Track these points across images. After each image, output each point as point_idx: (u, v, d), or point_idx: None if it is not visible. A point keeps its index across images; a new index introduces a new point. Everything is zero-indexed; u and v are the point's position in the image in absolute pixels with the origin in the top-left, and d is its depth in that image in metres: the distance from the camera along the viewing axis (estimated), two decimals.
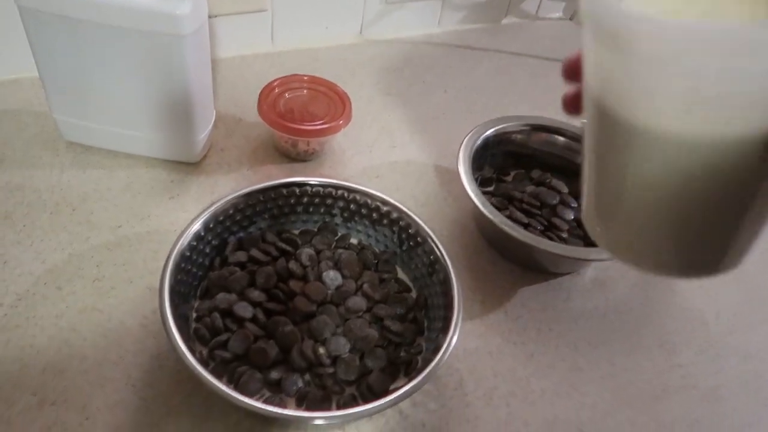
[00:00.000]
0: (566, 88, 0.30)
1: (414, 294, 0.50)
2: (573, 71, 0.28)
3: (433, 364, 0.39)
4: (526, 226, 0.53)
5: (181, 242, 0.44)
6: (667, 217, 0.28)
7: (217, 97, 0.67)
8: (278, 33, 0.75)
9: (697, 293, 0.56)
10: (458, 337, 0.41)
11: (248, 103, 0.66)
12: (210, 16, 0.67)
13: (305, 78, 0.62)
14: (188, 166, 0.58)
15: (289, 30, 0.75)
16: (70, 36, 0.49)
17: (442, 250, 0.47)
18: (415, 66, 0.78)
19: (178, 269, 0.43)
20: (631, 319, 0.53)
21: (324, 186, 0.51)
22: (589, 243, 0.56)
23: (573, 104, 0.29)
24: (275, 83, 0.60)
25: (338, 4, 0.76)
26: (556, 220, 0.55)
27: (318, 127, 0.57)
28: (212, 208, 0.47)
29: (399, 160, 0.64)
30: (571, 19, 0.93)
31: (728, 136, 0.23)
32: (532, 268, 0.55)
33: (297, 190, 0.51)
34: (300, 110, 0.59)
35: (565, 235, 0.55)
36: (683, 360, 0.51)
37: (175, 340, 0.38)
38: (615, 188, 0.29)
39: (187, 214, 0.54)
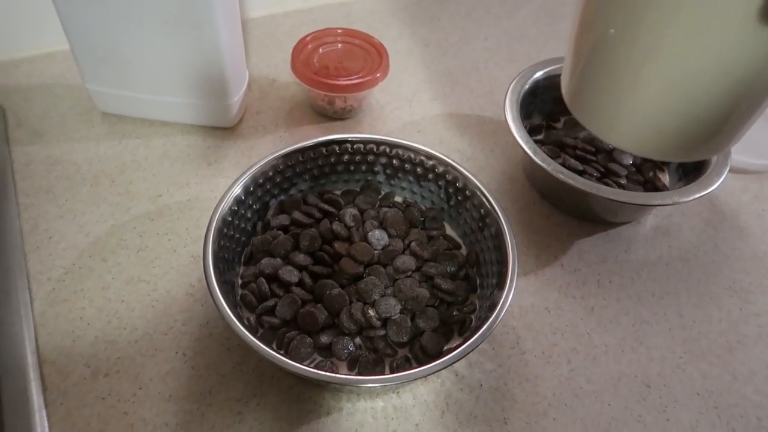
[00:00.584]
0: None
1: (464, 251, 0.47)
2: None
3: (488, 322, 0.37)
4: (581, 174, 0.50)
5: (221, 208, 0.42)
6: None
7: (249, 59, 0.65)
8: None
9: None
10: (514, 294, 0.39)
11: (281, 63, 0.64)
12: None
13: (339, 31, 0.59)
14: (224, 131, 0.57)
15: None
16: (98, 3, 0.47)
17: (493, 203, 0.44)
18: (453, 13, 0.74)
19: (220, 235, 0.41)
20: (699, 267, 0.50)
21: (365, 142, 0.49)
22: (649, 188, 0.52)
23: None
24: (308, 38, 0.58)
25: None
26: (614, 166, 0.51)
27: (354, 81, 0.55)
28: (251, 171, 0.45)
29: (441, 113, 0.61)
30: None
31: None
32: (588, 219, 0.52)
33: (337, 149, 0.48)
34: (335, 65, 0.57)
35: (623, 181, 0.51)
36: (759, 308, 0.47)
37: (223, 307, 0.37)
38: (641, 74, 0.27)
39: (226, 179, 0.52)
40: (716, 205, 0.54)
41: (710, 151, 0.34)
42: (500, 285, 0.40)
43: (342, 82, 0.54)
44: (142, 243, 0.48)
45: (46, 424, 0.38)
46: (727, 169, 0.48)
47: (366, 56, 0.58)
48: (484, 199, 0.45)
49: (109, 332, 0.42)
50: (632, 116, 0.30)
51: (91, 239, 0.48)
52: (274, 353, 0.35)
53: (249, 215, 0.46)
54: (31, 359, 0.40)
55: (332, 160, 0.49)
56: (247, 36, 0.68)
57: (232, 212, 0.43)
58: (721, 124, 0.29)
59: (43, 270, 0.45)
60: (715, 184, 0.47)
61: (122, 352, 0.42)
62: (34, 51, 0.62)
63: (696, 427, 0.40)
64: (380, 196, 0.50)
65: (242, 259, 0.45)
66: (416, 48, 0.68)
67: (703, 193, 0.46)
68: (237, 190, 0.44)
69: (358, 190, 0.51)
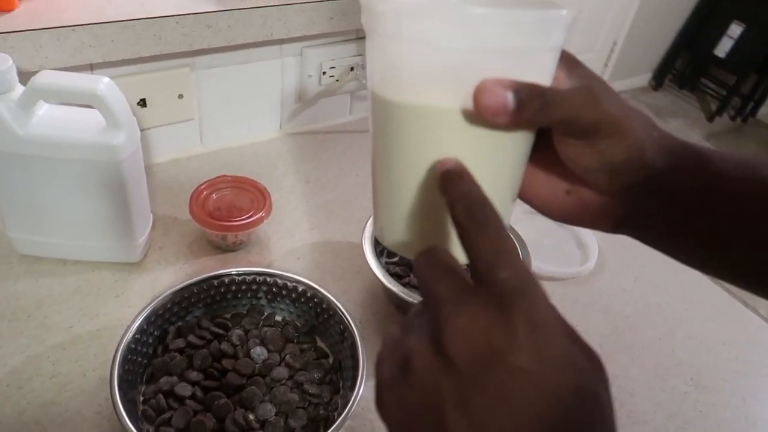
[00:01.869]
0: None
1: (331, 359, 0.59)
2: None
3: (341, 417, 0.49)
4: None
5: (126, 337, 0.52)
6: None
7: (154, 199, 0.76)
8: (206, 136, 0.85)
9: None
10: (369, 392, 0.50)
11: (183, 203, 0.75)
12: (144, 129, 0.78)
13: (229, 178, 0.72)
14: (131, 265, 0.67)
15: (215, 133, 0.85)
16: (21, 169, 0.58)
17: (349, 319, 0.57)
18: (330, 153, 0.90)
19: (125, 360, 0.51)
20: None
21: (249, 274, 0.60)
22: None
23: None
24: (203, 186, 0.70)
25: (258, 107, 0.87)
26: None
27: (243, 222, 0.67)
28: (152, 304, 0.55)
29: (318, 240, 0.74)
30: None
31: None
32: None
33: (226, 280, 0.60)
34: (227, 207, 0.69)
35: None
36: None
37: (126, 422, 0.46)
38: (397, 180, 0.35)
39: (131, 309, 0.62)
40: None
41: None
42: (352, 387, 0.52)
43: (232, 222, 0.67)
44: (55, 370, 0.56)
45: None
46: None
47: (253, 199, 0.71)
48: (343, 316, 0.57)
49: None
50: (395, 219, 0.37)
51: (8, 369, 0.55)
52: None
53: (150, 341, 0.56)
54: None
55: (222, 289, 0.60)
56: (153, 179, 0.79)
57: (135, 340, 0.53)
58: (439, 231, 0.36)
59: None
60: None
61: None
62: None
63: None
64: (263, 317, 0.62)
65: (144, 378, 0.55)
66: (299, 184, 0.83)
67: None
68: (139, 321, 0.54)
69: (245, 313, 0.62)
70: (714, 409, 0.62)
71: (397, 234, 0.37)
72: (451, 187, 0.31)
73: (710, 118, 3.54)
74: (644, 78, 3.89)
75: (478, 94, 0.30)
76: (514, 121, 0.30)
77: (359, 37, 0.87)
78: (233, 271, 0.60)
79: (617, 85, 3.70)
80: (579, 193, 0.39)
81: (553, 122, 0.33)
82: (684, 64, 3.80)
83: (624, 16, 3.29)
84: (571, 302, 0.72)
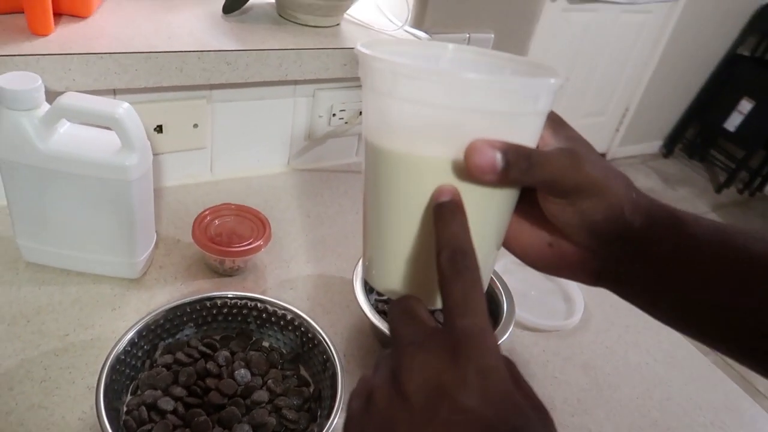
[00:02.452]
0: None
1: (312, 388, 0.61)
2: None
3: None
4: None
5: (116, 348, 0.54)
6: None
7: (160, 220, 0.80)
8: (216, 165, 0.89)
9: (549, 382, 0.69)
10: (341, 422, 0.52)
11: (187, 226, 0.79)
12: (159, 153, 0.81)
13: (233, 206, 0.75)
14: (131, 281, 0.69)
15: (225, 163, 0.89)
16: (37, 181, 0.61)
17: (333, 351, 0.59)
18: (333, 191, 0.93)
19: (113, 370, 0.53)
20: None
21: (240, 298, 0.63)
22: None
23: None
24: (207, 212, 0.73)
25: (268, 142, 0.91)
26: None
27: (241, 248, 0.70)
28: (145, 319, 0.58)
29: (312, 273, 0.77)
30: None
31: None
32: None
33: (218, 302, 0.62)
34: (228, 233, 0.72)
35: None
36: None
37: (107, 430, 0.48)
38: (387, 222, 0.37)
39: (126, 322, 0.64)
40: (513, 356, 0.71)
41: (428, 298, 0.40)
42: (328, 415, 0.53)
43: (231, 248, 0.70)
44: (46, 375, 0.58)
45: None
46: (511, 327, 0.65)
47: (253, 227, 0.74)
48: (327, 347, 0.59)
49: None
50: (385, 260, 0.39)
51: (1, 371, 0.57)
52: None
53: (140, 354, 0.58)
54: None
55: (214, 311, 0.62)
56: (161, 200, 0.83)
57: (125, 352, 0.55)
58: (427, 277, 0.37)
59: None
60: (500, 340, 0.64)
61: None
62: None
63: None
64: (251, 341, 0.64)
65: (130, 390, 0.56)
66: (299, 218, 0.86)
67: None
68: (131, 334, 0.56)
69: (233, 335, 0.64)
70: None
71: (383, 275, 0.40)
72: (442, 225, 0.33)
73: (718, 190, 3.57)
74: (655, 145, 3.95)
75: (469, 153, 0.32)
76: (500, 180, 0.33)
77: None
78: (227, 294, 0.62)
79: (628, 150, 3.76)
80: (560, 246, 0.41)
81: (537, 182, 0.36)
82: (694, 134, 3.86)
83: (637, 82, 3.38)
84: (552, 354, 0.73)
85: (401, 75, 0.32)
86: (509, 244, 0.43)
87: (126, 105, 0.59)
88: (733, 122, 3.38)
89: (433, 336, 0.31)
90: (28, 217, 0.65)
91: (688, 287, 0.39)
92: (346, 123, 0.94)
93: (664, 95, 3.56)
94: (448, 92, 0.32)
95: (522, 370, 0.67)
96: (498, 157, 0.32)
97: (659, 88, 3.46)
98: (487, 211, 0.37)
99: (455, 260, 0.32)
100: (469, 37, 0.97)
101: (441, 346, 0.30)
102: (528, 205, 0.40)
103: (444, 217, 0.34)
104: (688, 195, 3.51)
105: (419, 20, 0.93)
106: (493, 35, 1.00)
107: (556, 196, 0.38)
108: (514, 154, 0.33)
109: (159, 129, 0.80)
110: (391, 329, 0.34)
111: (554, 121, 0.39)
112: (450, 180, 0.34)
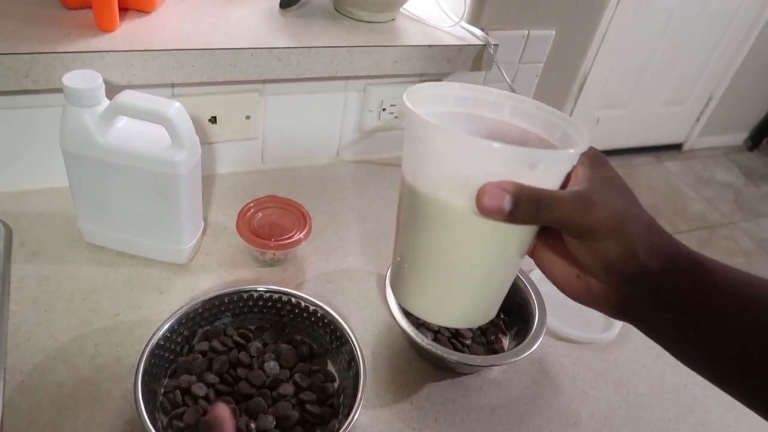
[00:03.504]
0: None
1: (336, 384, 0.63)
2: None
3: None
4: (435, 334, 0.67)
5: (157, 333, 0.58)
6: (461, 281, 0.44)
7: (210, 207, 0.84)
8: (267, 155, 0.92)
9: (577, 395, 0.68)
10: (366, 421, 0.54)
11: (235, 214, 0.82)
12: (213, 143, 0.85)
13: (277, 199, 0.78)
14: (178, 266, 0.74)
15: (275, 153, 0.92)
16: (96, 171, 0.66)
17: (358, 350, 0.60)
18: (379, 185, 0.94)
19: (152, 354, 0.57)
20: (516, 414, 0.65)
21: (275, 292, 0.66)
22: (489, 349, 0.69)
23: None
24: (251, 204, 0.76)
25: (318, 134, 0.93)
26: (462, 329, 0.68)
27: (283, 242, 0.73)
28: (185, 307, 0.61)
29: (349, 268, 0.79)
30: None
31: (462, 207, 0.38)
32: (441, 368, 0.68)
33: (254, 294, 0.65)
34: (270, 225, 0.75)
35: (468, 341, 0.68)
36: None
37: (141, 411, 0.52)
38: (415, 256, 0.45)
39: (170, 306, 0.69)
40: (543, 366, 0.71)
41: (482, 320, 0.48)
42: (348, 413, 0.56)
43: (273, 241, 0.72)
44: (96, 351, 0.63)
45: None
46: (540, 338, 0.65)
47: (295, 220, 0.76)
48: (353, 346, 0.61)
49: (57, 420, 0.57)
50: (415, 286, 0.47)
51: (58, 344, 0.63)
52: None
53: (179, 340, 0.62)
54: None
55: (250, 303, 0.66)
56: (212, 188, 0.87)
57: (165, 338, 0.59)
58: (454, 302, 0.46)
59: (18, 365, 0.60)
60: (528, 352, 0.64)
61: None
62: (43, 185, 0.80)
63: None
64: (283, 333, 0.67)
65: (168, 373, 0.61)
66: (343, 211, 0.88)
67: (517, 359, 0.63)
68: (172, 321, 0.60)
69: (268, 327, 0.67)
70: None
71: (407, 294, 0.47)
72: None
73: None
74: (740, 137, 3.71)
75: (480, 195, 0.36)
76: (509, 220, 0.36)
77: (421, 80, 0.92)
78: (260, 288, 0.65)
79: (709, 141, 3.55)
80: (586, 279, 0.42)
81: (547, 223, 0.37)
82: None
83: (725, 69, 3.17)
84: (584, 367, 0.72)
85: (439, 138, 0.38)
86: (545, 271, 0.45)
87: (177, 105, 0.62)
88: None
89: None
90: (88, 201, 0.70)
91: (709, 337, 0.38)
92: (395, 117, 0.95)
93: (753, 84, 3.32)
94: (457, 150, 0.37)
95: (550, 380, 0.67)
96: (507, 199, 0.35)
97: (748, 77, 3.24)
98: (499, 246, 0.41)
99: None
100: (528, 34, 0.95)
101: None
102: (558, 239, 0.41)
103: None
104: None
105: (476, 16, 0.91)
106: (554, 32, 0.97)
107: (569, 235, 0.38)
108: (525, 198, 0.35)
109: (213, 120, 0.84)
110: None
111: (592, 159, 0.40)
112: (472, 220, 0.38)
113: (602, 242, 0.37)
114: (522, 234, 0.41)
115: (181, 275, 0.73)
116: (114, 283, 0.70)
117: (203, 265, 0.75)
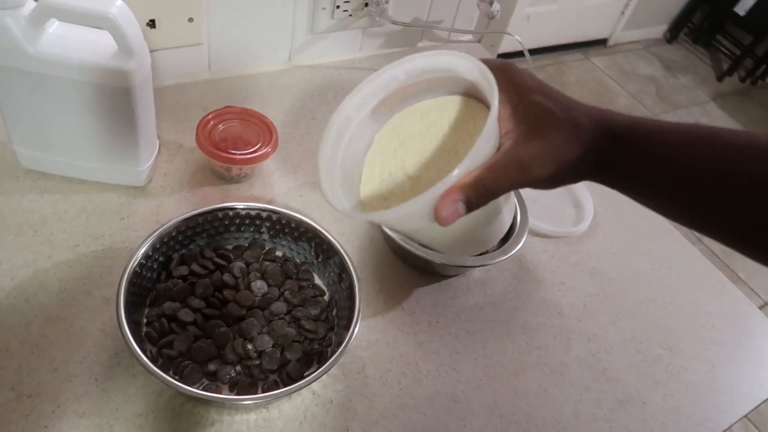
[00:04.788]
0: None
1: (327, 297, 0.61)
2: None
3: (336, 354, 0.51)
4: None
5: (132, 261, 0.54)
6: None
7: (159, 124, 0.76)
8: (214, 63, 0.84)
9: (557, 287, 0.70)
10: (361, 331, 0.53)
11: (188, 130, 0.76)
12: (152, 51, 0.76)
13: (237, 109, 0.72)
14: (136, 189, 0.68)
15: (224, 60, 0.84)
16: (29, 86, 0.57)
17: (348, 262, 0.58)
18: (338, 89, 0.89)
19: (131, 284, 0.53)
20: (503, 310, 0.67)
21: (253, 209, 0.62)
22: None
23: None
24: (210, 116, 0.70)
25: (268, 36, 0.85)
26: None
27: (248, 156, 0.68)
28: (158, 231, 0.57)
29: None
30: (479, 41, 1.06)
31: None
32: (427, 272, 0.68)
33: (230, 213, 0.61)
34: (233, 139, 0.69)
35: None
36: (540, 343, 0.65)
37: (130, 342, 0.48)
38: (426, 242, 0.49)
39: (136, 233, 0.63)
40: (523, 263, 0.72)
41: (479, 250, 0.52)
42: (347, 326, 0.54)
43: (238, 155, 0.67)
44: (61, 286, 0.58)
45: None
46: (524, 238, 0.65)
47: (259, 133, 0.71)
48: (342, 258, 0.59)
49: (31, 361, 0.52)
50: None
51: (16, 282, 0.57)
52: (171, 379, 0.47)
53: (155, 266, 0.57)
54: None
55: (226, 222, 0.61)
56: (158, 102, 0.78)
57: (141, 265, 0.55)
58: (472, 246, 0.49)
59: None
60: (513, 251, 0.64)
61: (42, 378, 0.52)
62: None
63: (484, 430, 0.57)
64: (264, 252, 0.63)
65: (148, 302, 0.57)
66: (304, 120, 0.83)
67: (504, 258, 0.63)
68: (145, 247, 0.55)
69: (246, 246, 0.63)
70: (684, 373, 0.66)
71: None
72: None
73: (720, 78, 3.49)
74: (659, 30, 3.80)
75: (437, 215, 0.37)
76: (469, 213, 0.38)
77: None
78: (238, 205, 0.61)
79: (631, 35, 3.62)
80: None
81: (502, 195, 0.40)
82: (702, 18, 3.70)
83: None
84: (560, 260, 0.74)
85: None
86: None
87: (119, 2, 0.54)
88: (744, 5, 3.23)
89: None
90: (23, 123, 0.61)
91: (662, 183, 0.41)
92: (350, 15, 0.88)
93: None
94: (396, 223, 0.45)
95: (531, 276, 0.68)
96: (460, 207, 0.37)
97: None
98: (472, 224, 0.43)
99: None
100: None
101: None
102: None
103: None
104: (690, 83, 3.43)
105: None
106: None
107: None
108: (473, 196, 0.37)
109: (152, 24, 0.74)
110: None
111: (503, 77, 0.40)
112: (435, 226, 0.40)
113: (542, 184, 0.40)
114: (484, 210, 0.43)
115: (142, 199, 0.67)
116: (67, 212, 0.64)
117: (163, 186, 0.69)
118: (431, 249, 0.54)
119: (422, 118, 0.46)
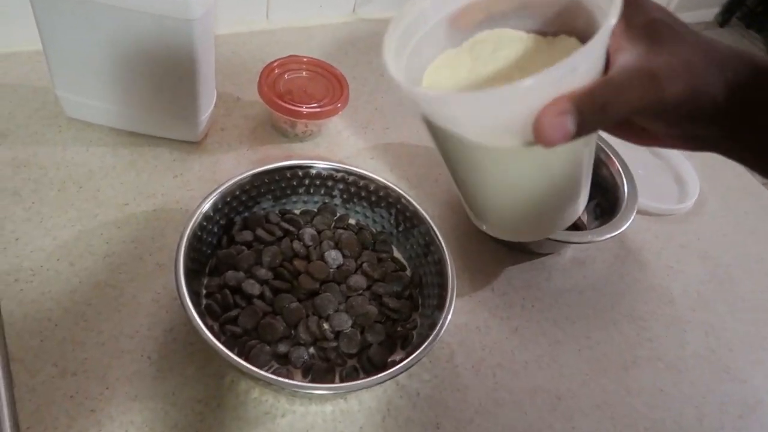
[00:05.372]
0: None
1: (409, 273, 0.53)
2: None
3: (429, 340, 0.43)
4: None
5: (192, 221, 0.46)
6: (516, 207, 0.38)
7: (215, 74, 0.68)
8: (273, 11, 0.75)
9: (664, 272, 0.61)
10: (453, 315, 0.45)
11: (246, 82, 0.68)
12: None
13: (304, 59, 0.64)
14: (190, 144, 0.60)
15: (283, 8, 0.76)
16: (79, 16, 0.49)
17: (437, 233, 0.50)
18: None
19: (190, 248, 0.45)
20: (606, 295, 0.58)
21: (326, 168, 0.53)
22: (570, 227, 0.60)
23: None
24: (275, 64, 0.62)
25: None
26: None
27: (317, 110, 0.60)
28: (221, 189, 0.49)
29: (393, 141, 0.67)
30: None
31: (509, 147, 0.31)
32: (516, 249, 0.59)
33: (300, 172, 0.53)
34: (299, 91, 0.61)
35: None
36: (652, 334, 0.56)
37: (192, 315, 0.41)
38: (479, 195, 0.38)
39: (191, 192, 0.56)
40: (624, 242, 0.63)
41: (544, 235, 0.47)
42: (440, 306, 0.46)
43: (305, 109, 0.59)
44: (108, 249, 0.51)
45: (7, 421, 0.40)
46: (633, 214, 0.56)
47: (328, 85, 0.63)
48: (430, 228, 0.51)
49: (76, 333, 0.45)
50: (491, 220, 0.41)
51: (59, 243, 0.50)
52: (238, 359, 0.39)
53: (216, 230, 0.50)
54: None
55: (294, 182, 0.53)
56: None
57: (201, 227, 0.47)
58: (539, 222, 0.41)
59: (11, 271, 0.47)
60: (623, 227, 0.55)
61: (89, 353, 0.44)
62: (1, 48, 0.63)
63: None
64: (336, 218, 0.55)
65: (207, 270, 0.49)
66: (372, 77, 0.74)
67: (612, 234, 0.54)
68: (207, 206, 0.48)
69: (315, 211, 0.55)
70: None
71: (484, 222, 0.42)
72: None
73: None
74: (711, 12, 3.62)
75: (539, 130, 0.28)
76: (577, 138, 0.29)
77: None
78: (314, 163, 0.53)
79: (682, 18, 3.45)
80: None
81: (619, 120, 0.30)
82: (756, 1, 3.51)
83: None
84: (665, 240, 0.65)
85: (438, 106, 0.31)
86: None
87: None
88: None
89: None
90: (68, 64, 0.54)
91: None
92: None
93: None
94: (486, 110, 0.30)
95: (634, 257, 0.59)
96: (569, 122, 0.28)
97: None
98: (563, 166, 0.35)
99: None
100: None
101: None
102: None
103: None
104: None
105: None
106: None
107: (642, 119, 0.32)
108: (587, 110, 0.28)
109: None
110: None
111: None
112: (525, 154, 0.32)
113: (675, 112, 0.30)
114: (581, 147, 0.34)
115: (196, 155, 0.59)
116: (114, 167, 0.56)
117: (220, 142, 0.61)
118: (483, 218, 0.42)
119: (509, 43, 0.36)
